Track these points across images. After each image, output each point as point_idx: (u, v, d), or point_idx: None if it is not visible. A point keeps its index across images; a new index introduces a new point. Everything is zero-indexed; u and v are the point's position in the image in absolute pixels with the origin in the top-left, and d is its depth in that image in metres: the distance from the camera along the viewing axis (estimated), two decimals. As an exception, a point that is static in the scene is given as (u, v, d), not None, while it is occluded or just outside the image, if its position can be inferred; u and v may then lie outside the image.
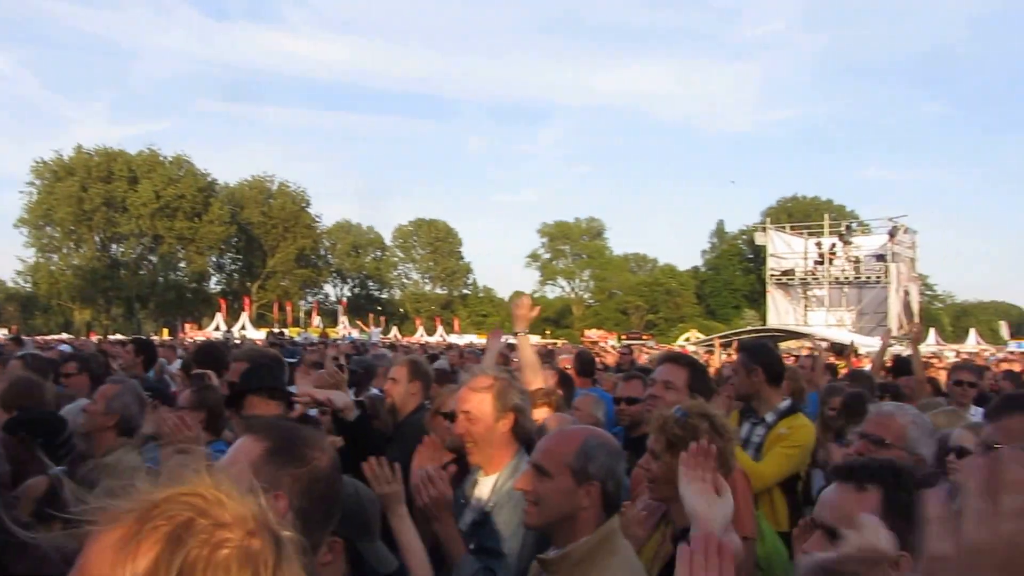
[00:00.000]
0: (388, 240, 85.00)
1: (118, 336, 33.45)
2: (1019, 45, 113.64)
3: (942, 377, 8.33)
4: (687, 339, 45.52)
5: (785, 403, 4.19)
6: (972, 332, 48.55)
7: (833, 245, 42.33)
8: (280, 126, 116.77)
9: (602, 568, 2.26)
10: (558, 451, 2.37)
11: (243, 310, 49.20)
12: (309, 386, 4.58)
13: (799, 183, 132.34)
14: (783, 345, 30.40)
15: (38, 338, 28.98)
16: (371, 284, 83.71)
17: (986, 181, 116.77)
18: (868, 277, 41.00)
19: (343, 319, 49.74)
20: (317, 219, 76.91)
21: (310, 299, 66.58)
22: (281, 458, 1.68)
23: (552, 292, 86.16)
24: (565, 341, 45.68)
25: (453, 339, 43.56)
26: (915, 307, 43.28)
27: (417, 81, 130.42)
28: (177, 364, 8.87)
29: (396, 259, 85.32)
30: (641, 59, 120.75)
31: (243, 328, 41.70)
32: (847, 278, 41.66)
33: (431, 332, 52.34)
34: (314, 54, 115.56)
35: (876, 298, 40.39)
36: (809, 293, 43.63)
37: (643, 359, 17.68)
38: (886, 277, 39.79)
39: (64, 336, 39.75)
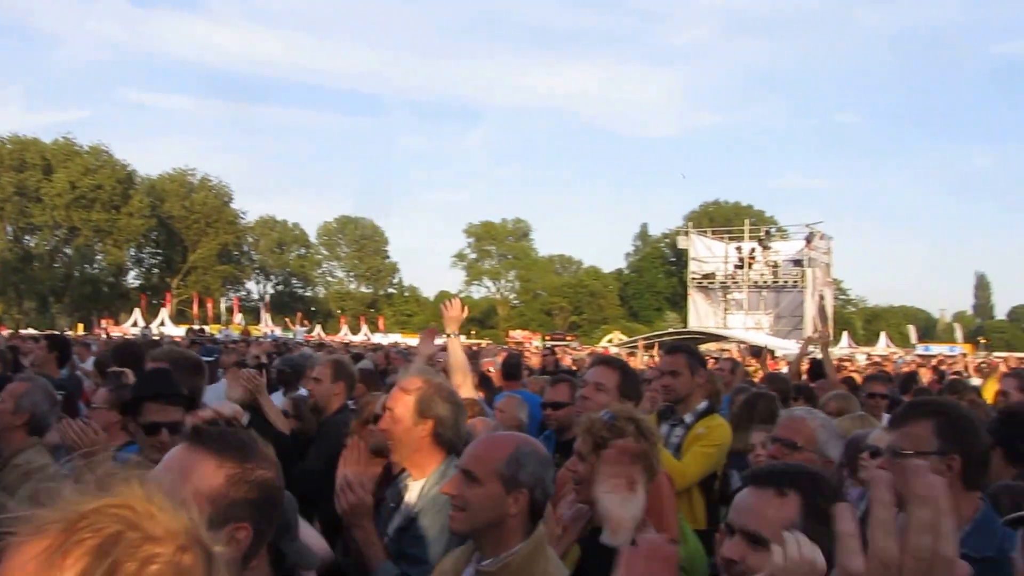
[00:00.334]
0: (313, 237, 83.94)
1: (31, 331, 32.03)
2: (929, 59, 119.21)
3: (858, 379, 8.71)
4: (610, 340, 46.16)
5: (703, 404, 4.27)
6: (882, 335, 50.67)
7: (753, 250, 43.55)
8: (204, 119, 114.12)
9: (542, 574, 2.26)
10: (488, 457, 2.36)
11: (163, 306, 47.74)
12: (239, 388, 4.49)
13: (721, 188, 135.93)
14: (702, 348, 31.13)
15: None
16: (295, 282, 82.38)
17: (897, 191, 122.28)
18: (785, 281, 42.31)
19: (266, 317, 48.84)
20: (242, 216, 75.56)
21: (232, 296, 65.00)
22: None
23: (478, 292, 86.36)
24: (490, 341, 45.72)
25: (378, 338, 43.19)
26: (829, 311, 44.91)
27: (346, 77, 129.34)
28: (91, 361, 8.55)
29: (321, 257, 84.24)
30: (569, 62, 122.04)
31: (162, 324, 40.57)
32: (765, 282, 42.92)
33: (355, 331, 51.78)
34: (241, 46, 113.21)
35: (793, 302, 41.72)
36: (729, 296, 44.79)
37: (566, 360, 17.86)
38: (803, 282, 41.13)
39: (-27, 331, 37.88)
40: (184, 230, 69.68)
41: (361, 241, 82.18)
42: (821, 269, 43.45)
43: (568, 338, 50.08)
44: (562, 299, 76.48)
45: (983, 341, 56.87)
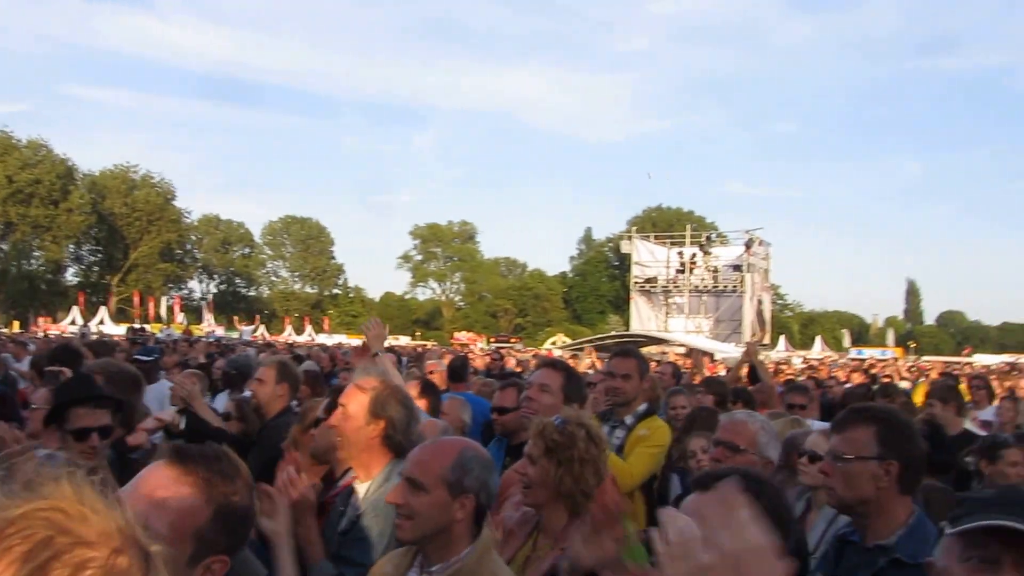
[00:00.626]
0: (258, 237, 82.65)
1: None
2: (864, 72, 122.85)
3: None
4: (554, 343, 46.48)
5: (643, 407, 4.35)
6: (818, 339, 52.04)
7: (694, 255, 44.30)
8: (148, 115, 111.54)
9: None
10: (433, 464, 2.34)
11: (102, 304, 46.39)
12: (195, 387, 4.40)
13: (664, 194, 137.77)
14: (643, 350, 31.53)
15: None
16: (239, 281, 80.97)
17: (833, 199, 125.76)
18: (725, 286, 43.15)
19: (208, 316, 47.92)
20: (187, 215, 74.10)
21: (174, 295, 63.47)
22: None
23: (423, 294, 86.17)
24: (435, 343, 45.63)
25: (323, 339, 42.72)
26: (767, 315, 45.94)
27: (292, 76, 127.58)
28: (28, 361, 8.29)
29: (265, 256, 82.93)
30: (516, 67, 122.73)
31: (101, 323, 39.55)
32: (706, 287, 43.70)
33: (300, 332, 51.14)
34: (185, 42, 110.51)
35: (732, 306, 42.57)
36: (670, 300, 45.47)
37: (511, 362, 17.92)
38: (742, 286, 42.01)
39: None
40: (125, 227, 67.89)
41: (307, 241, 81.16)
42: (760, 274, 44.43)
43: (513, 340, 50.25)
44: (507, 301, 76.66)
45: (913, 345, 58.92)
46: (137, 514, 1.52)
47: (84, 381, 3.48)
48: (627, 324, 50.09)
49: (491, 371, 12.83)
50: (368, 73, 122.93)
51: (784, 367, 20.04)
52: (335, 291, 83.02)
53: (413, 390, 4.50)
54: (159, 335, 25.85)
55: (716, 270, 43.88)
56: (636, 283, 46.29)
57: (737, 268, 43.16)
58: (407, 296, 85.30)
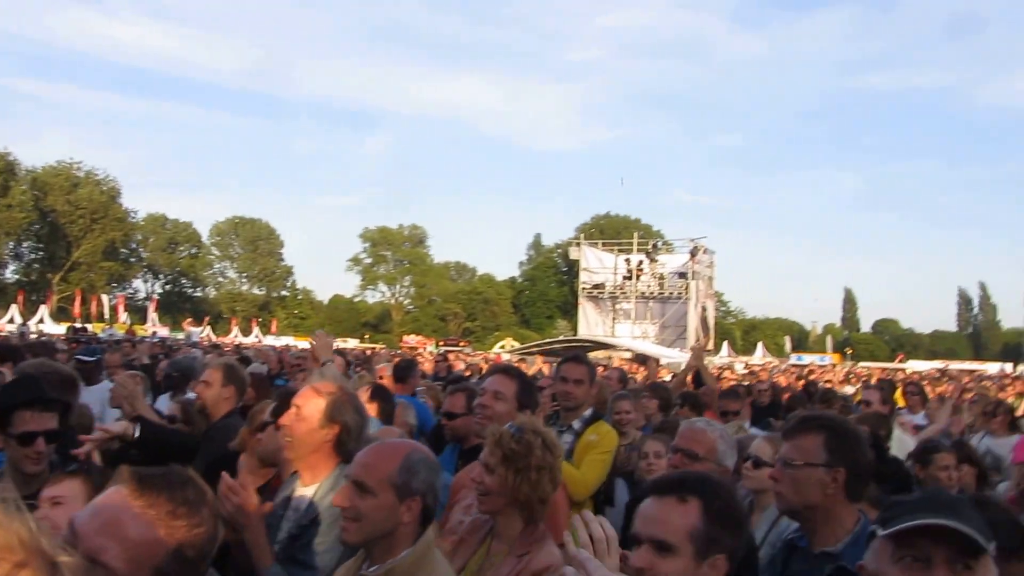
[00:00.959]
0: (205, 237, 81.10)
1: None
2: (806, 88, 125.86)
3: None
4: (502, 347, 46.55)
5: (588, 412, 4.39)
6: (760, 346, 53.14)
7: (640, 262, 44.79)
8: (93, 111, 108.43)
9: None
10: (380, 467, 2.32)
11: (42, 302, 44.91)
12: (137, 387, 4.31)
13: (612, 202, 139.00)
14: (590, 355, 31.76)
15: None
16: (184, 281, 79.25)
17: (774, 210, 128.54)
18: (671, 293, 43.71)
19: (153, 316, 46.78)
20: (132, 214, 72.43)
21: (117, 294, 61.81)
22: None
23: (372, 297, 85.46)
24: (383, 346, 45.31)
25: (270, 341, 42.08)
26: (711, 322, 46.63)
27: (243, 77, 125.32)
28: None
29: (213, 257, 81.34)
30: (469, 74, 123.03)
31: (41, 322, 38.34)
32: (652, 293, 44.21)
33: (247, 333, 50.27)
34: (133, 39, 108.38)
35: (677, 313, 43.12)
36: (617, 306, 45.87)
37: (459, 366, 17.91)
38: (687, 293, 42.59)
39: None
40: (68, 225, 66.10)
41: (256, 242, 79.86)
42: (704, 282, 45.09)
43: (461, 344, 50.18)
44: (456, 305, 76.50)
45: (850, 352, 60.54)
46: (93, 544, 1.48)
47: (30, 383, 3.34)
48: (575, 329, 50.33)
49: (439, 375, 12.81)
50: (320, 76, 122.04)
51: (727, 372, 20.42)
52: (283, 293, 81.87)
53: (363, 395, 4.48)
54: (101, 335, 25.18)
55: (662, 277, 44.44)
56: (584, 289, 46.57)
57: (682, 275, 43.76)
58: (356, 299, 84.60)
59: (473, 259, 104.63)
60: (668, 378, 11.62)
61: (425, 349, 37.99)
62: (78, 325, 32.80)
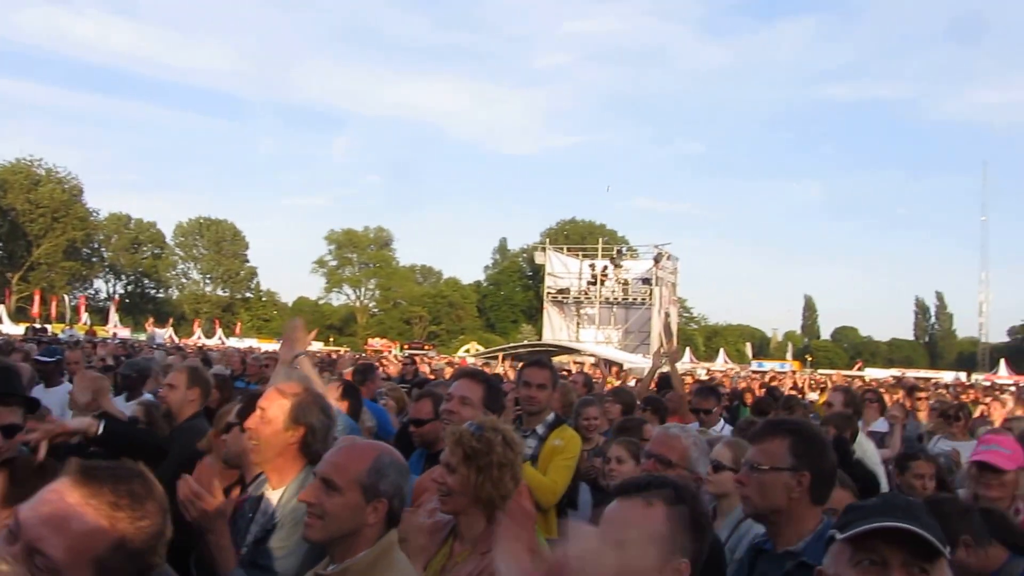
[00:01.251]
0: (169, 238, 79.86)
1: None
2: (769, 98, 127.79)
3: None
4: (467, 351, 46.50)
5: (551, 416, 4.40)
6: (721, 352, 53.64)
7: (605, 268, 45.11)
8: (55, 109, 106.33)
9: None
10: (349, 467, 2.33)
11: (1, 302, 43.81)
12: (87, 392, 4.24)
13: (577, 207, 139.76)
14: (555, 360, 31.89)
15: None
16: (147, 282, 77.99)
17: (737, 217, 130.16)
18: (635, 298, 44.06)
19: (114, 317, 45.90)
20: (94, 213, 71.19)
21: (78, 294, 60.52)
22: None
23: (337, 299, 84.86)
24: (348, 349, 44.98)
25: (233, 343, 41.57)
26: (674, 327, 47.12)
27: (210, 77, 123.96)
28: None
29: (176, 258, 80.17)
30: (436, 77, 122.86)
31: (-1, 322, 37.28)
32: (616, 299, 44.53)
33: (210, 335, 49.59)
34: (98, 37, 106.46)
35: (641, 318, 43.50)
36: (582, 311, 46.15)
37: (424, 369, 17.86)
38: (650, 299, 42.98)
39: None
40: (28, 224, 64.71)
41: (220, 243, 78.81)
42: (667, 288, 45.55)
43: (426, 347, 50.00)
44: (421, 309, 76.27)
45: (809, 359, 61.46)
46: (34, 535, 1.46)
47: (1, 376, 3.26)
48: (540, 333, 50.51)
49: (404, 378, 12.78)
50: (287, 77, 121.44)
51: (688, 378, 20.60)
52: (247, 295, 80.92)
53: (334, 392, 4.48)
54: (61, 335, 24.62)
55: (626, 283, 44.76)
56: (549, 293, 46.78)
57: (646, 281, 44.13)
58: (321, 301, 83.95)
59: (439, 263, 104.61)
60: (633, 383, 11.71)
61: (390, 352, 37.80)
62: (37, 325, 32.05)
